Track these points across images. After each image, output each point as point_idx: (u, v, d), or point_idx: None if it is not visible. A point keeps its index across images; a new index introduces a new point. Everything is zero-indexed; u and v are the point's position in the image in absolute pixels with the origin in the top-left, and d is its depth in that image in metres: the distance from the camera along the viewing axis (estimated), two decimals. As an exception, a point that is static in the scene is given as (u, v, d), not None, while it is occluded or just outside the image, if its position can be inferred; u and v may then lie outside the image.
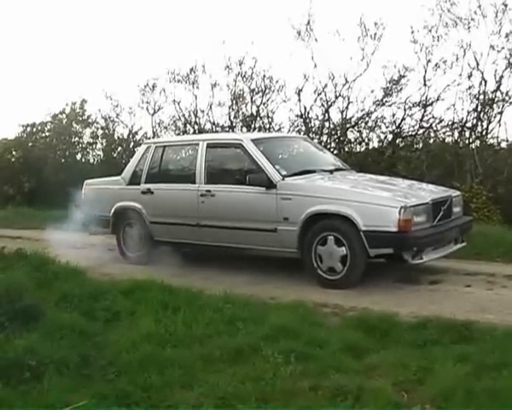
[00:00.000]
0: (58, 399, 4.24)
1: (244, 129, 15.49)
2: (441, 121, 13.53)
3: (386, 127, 14.18)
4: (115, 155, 18.14)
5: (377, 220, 7.22)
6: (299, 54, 14.17)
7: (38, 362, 4.63)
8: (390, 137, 14.20)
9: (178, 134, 16.31)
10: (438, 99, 13.33)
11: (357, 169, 9.63)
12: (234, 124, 15.81)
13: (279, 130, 15.16)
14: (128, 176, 9.53)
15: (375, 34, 13.58)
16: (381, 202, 7.36)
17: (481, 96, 12.89)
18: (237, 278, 7.90)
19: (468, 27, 12.70)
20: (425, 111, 13.57)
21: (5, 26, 24.88)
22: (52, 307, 5.86)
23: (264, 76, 15.20)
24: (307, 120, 14.76)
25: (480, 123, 13.15)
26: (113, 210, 9.42)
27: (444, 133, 13.78)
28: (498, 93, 12.79)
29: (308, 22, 14.07)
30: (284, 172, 8.06)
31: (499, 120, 13.00)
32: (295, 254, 7.85)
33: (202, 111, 16.18)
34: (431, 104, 13.46)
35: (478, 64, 12.71)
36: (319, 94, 14.40)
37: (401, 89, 13.70)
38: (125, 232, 9.42)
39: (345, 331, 5.57)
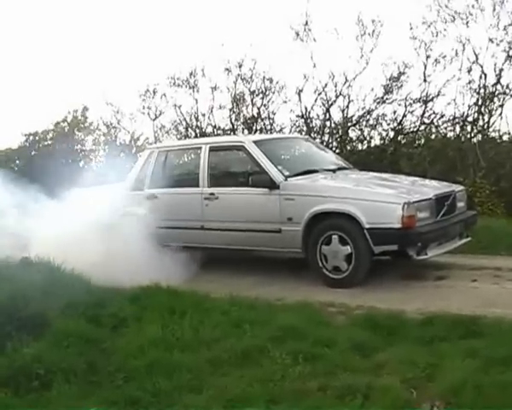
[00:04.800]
0: (67, 406, 4.25)
1: (245, 131, 15.49)
2: (442, 116, 13.56)
3: (388, 124, 14.20)
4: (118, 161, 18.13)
5: (381, 217, 7.21)
6: (299, 54, 14.17)
7: (46, 370, 4.65)
8: (392, 134, 14.21)
9: (180, 138, 16.31)
10: (438, 94, 13.36)
11: (359, 167, 9.62)
12: (235, 126, 15.82)
13: (280, 131, 15.15)
14: (131, 182, 9.53)
15: (373, 32, 13.61)
16: (384, 198, 7.36)
17: (482, 90, 12.90)
18: (243, 281, 7.89)
19: (467, 22, 12.72)
20: (426, 107, 13.59)
21: (6, 35, 24.89)
22: (58, 315, 5.85)
23: (263, 77, 15.20)
24: (308, 120, 14.77)
25: (481, 117, 13.16)
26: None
27: (445, 128, 13.80)
28: (499, 86, 12.82)
29: (306, 22, 14.09)
30: (287, 173, 8.07)
31: (500, 113, 13.04)
32: (300, 255, 7.85)
33: (203, 114, 16.20)
34: (431, 100, 13.48)
35: (477, 58, 12.73)
36: (319, 94, 14.42)
37: (401, 85, 13.74)
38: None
39: (352, 330, 5.57)
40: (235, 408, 4.17)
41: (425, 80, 13.33)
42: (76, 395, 4.43)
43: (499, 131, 13.28)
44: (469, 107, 13.11)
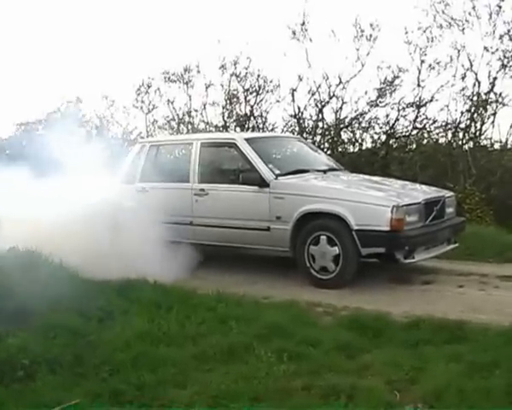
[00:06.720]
0: (51, 398, 4.23)
1: (238, 129, 15.47)
2: (435, 122, 13.58)
3: (380, 128, 14.20)
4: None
5: (369, 219, 7.23)
6: (294, 54, 14.16)
7: (31, 361, 4.63)
8: (383, 137, 14.22)
9: (172, 134, 16.29)
10: (431, 100, 13.37)
11: (350, 170, 9.64)
12: (227, 124, 15.79)
13: (273, 130, 15.14)
14: (123, 175, 9.51)
15: (371, 35, 13.60)
16: (373, 201, 7.37)
17: (475, 98, 12.93)
18: (230, 278, 7.90)
19: (463, 28, 12.74)
20: (418, 112, 13.61)
21: (1, 24, 24.81)
22: (45, 307, 5.83)
23: (258, 76, 15.19)
24: (301, 120, 14.77)
25: (473, 124, 13.19)
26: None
27: (437, 134, 13.82)
28: (492, 94, 12.84)
29: (303, 22, 14.06)
30: (277, 172, 8.09)
31: (492, 122, 13.06)
32: (288, 254, 7.86)
33: (196, 111, 16.19)
34: (424, 105, 13.50)
35: (472, 65, 12.75)
36: (313, 94, 14.41)
37: (395, 89, 13.74)
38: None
39: (337, 331, 5.58)
40: (219, 405, 4.17)
41: (419, 85, 13.35)
42: (61, 387, 4.42)
43: (491, 139, 13.32)
44: (462, 113, 13.14)
